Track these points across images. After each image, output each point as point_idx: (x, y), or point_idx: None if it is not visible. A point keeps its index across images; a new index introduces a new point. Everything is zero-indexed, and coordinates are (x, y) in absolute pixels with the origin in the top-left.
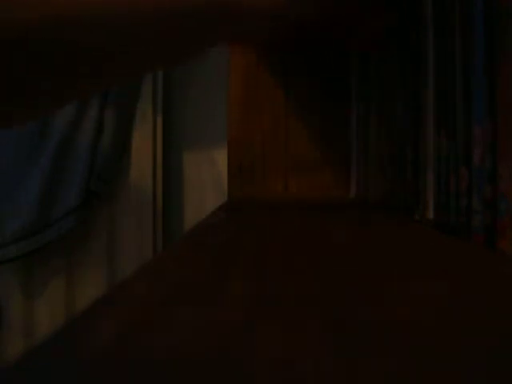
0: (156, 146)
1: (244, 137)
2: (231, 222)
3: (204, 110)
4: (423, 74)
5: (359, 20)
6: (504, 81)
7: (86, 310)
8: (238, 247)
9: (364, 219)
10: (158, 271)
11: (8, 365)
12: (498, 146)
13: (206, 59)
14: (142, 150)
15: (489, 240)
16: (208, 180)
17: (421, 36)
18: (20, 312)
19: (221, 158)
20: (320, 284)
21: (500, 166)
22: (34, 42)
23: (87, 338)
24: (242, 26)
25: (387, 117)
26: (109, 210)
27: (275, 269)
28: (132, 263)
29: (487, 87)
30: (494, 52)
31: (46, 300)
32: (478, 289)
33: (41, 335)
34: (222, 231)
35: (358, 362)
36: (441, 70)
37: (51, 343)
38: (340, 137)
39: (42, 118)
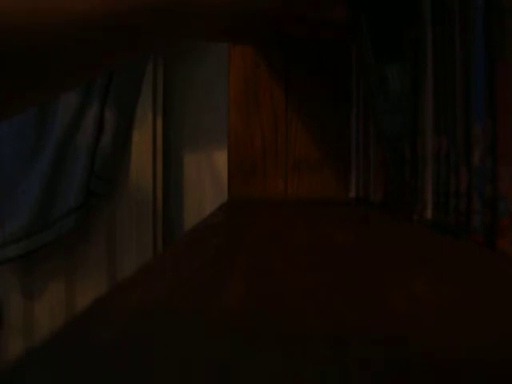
0: (156, 146)
1: (244, 137)
2: (231, 222)
3: (204, 110)
4: (423, 73)
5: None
6: (504, 81)
7: (85, 310)
8: (238, 247)
9: (364, 219)
10: (158, 271)
11: (8, 365)
12: (498, 146)
13: (206, 60)
14: (142, 150)
15: (489, 240)
16: (208, 180)
17: (421, 36)
18: (20, 312)
19: (221, 158)
20: (320, 284)
21: (500, 165)
22: None
23: (87, 337)
24: (203, 22)
25: (387, 117)
26: (109, 210)
27: (275, 269)
28: (132, 263)
29: (487, 87)
30: (494, 52)
31: (46, 300)
32: (478, 288)
33: (41, 335)
34: (222, 231)
35: (358, 362)
36: (441, 70)
37: (51, 343)
38: (340, 137)
39: (41, 119)
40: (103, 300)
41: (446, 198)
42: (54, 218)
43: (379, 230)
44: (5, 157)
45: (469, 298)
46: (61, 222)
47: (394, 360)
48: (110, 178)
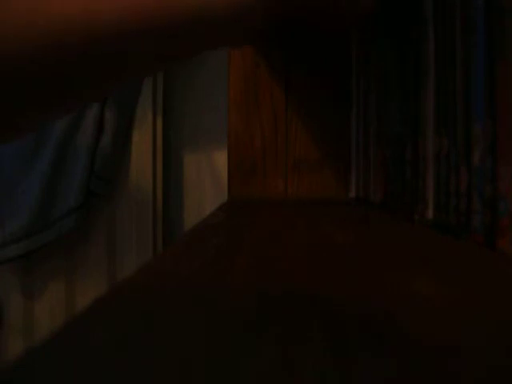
0: (156, 146)
1: (244, 137)
2: (231, 222)
3: (204, 110)
4: (423, 73)
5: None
6: (504, 81)
7: (85, 310)
8: (238, 247)
9: (364, 219)
10: (158, 271)
11: (8, 365)
12: (498, 145)
13: (206, 60)
14: (142, 150)
15: (489, 240)
16: (208, 180)
17: (421, 35)
18: (20, 312)
19: (221, 158)
20: (320, 284)
21: (500, 165)
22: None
23: (87, 337)
24: (220, 33)
25: (387, 117)
26: (109, 210)
27: (275, 269)
28: (132, 263)
29: (487, 87)
30: (494, 52)
31: (46, 300)
32: (478, 288)
33: (41, 335)
34: (222, 231)
35: (358, 362)
36: (441, 69)
37: (51, 343)
38: (340, 137)
39: None
40: (103, 300)
41: (447, 198)
42: (54, 217)
43: (379, 230)
44: (5, 157)
45: (469, 297)
46: (61, 222)
47: (394, 360)
48: (110, 178)
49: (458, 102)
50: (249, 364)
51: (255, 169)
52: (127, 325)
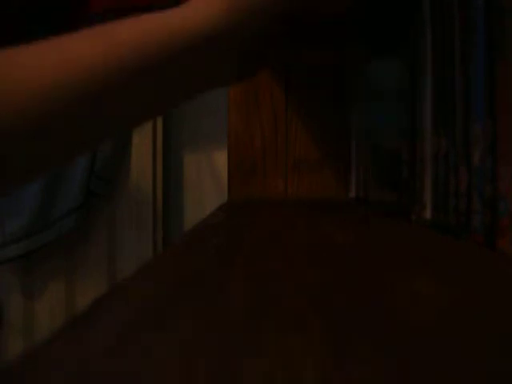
0: (156, 146)
1: (244, 137)
2: (231, 222)
3: (204, 110)
4: (423, 73)
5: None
6: (504, 81)
7: (85, 310)
8: (238, 247)
9: (363, 219)
10: (158, 271)
11: (8, 365)
12: (498, 146)
13: None
14: (142, 150)
15: (489, 240)
16: (208, 180)
17: (420, 36)
18: (20, 312)
19: (221, 158)
20: (320, 284)
21: (500, 165)
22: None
23: (87, 337)
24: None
25: (386, 117)
26: (109, 210)
27: (275, 269)
28: (132, 263)
29: (487, 87)
30: (494, 52)
31: (46, 300)
32: (478, 288)
33: (41, 335)
34: (222, 231)
35: (358, 362)
36: (439, 69)
37: (51, 343)
38: (340, 137)
39: None
40: (103, 300)
41: (446, 199)
42: (54, 217)
43: (379, 230)
44: None
45: (469, 297)
46: (61, 222)
47: (394, 361)
48: (110, 178)
49: (458, 102)
50: (249, 364)
51: (255, 169)
52: (127, 325)
